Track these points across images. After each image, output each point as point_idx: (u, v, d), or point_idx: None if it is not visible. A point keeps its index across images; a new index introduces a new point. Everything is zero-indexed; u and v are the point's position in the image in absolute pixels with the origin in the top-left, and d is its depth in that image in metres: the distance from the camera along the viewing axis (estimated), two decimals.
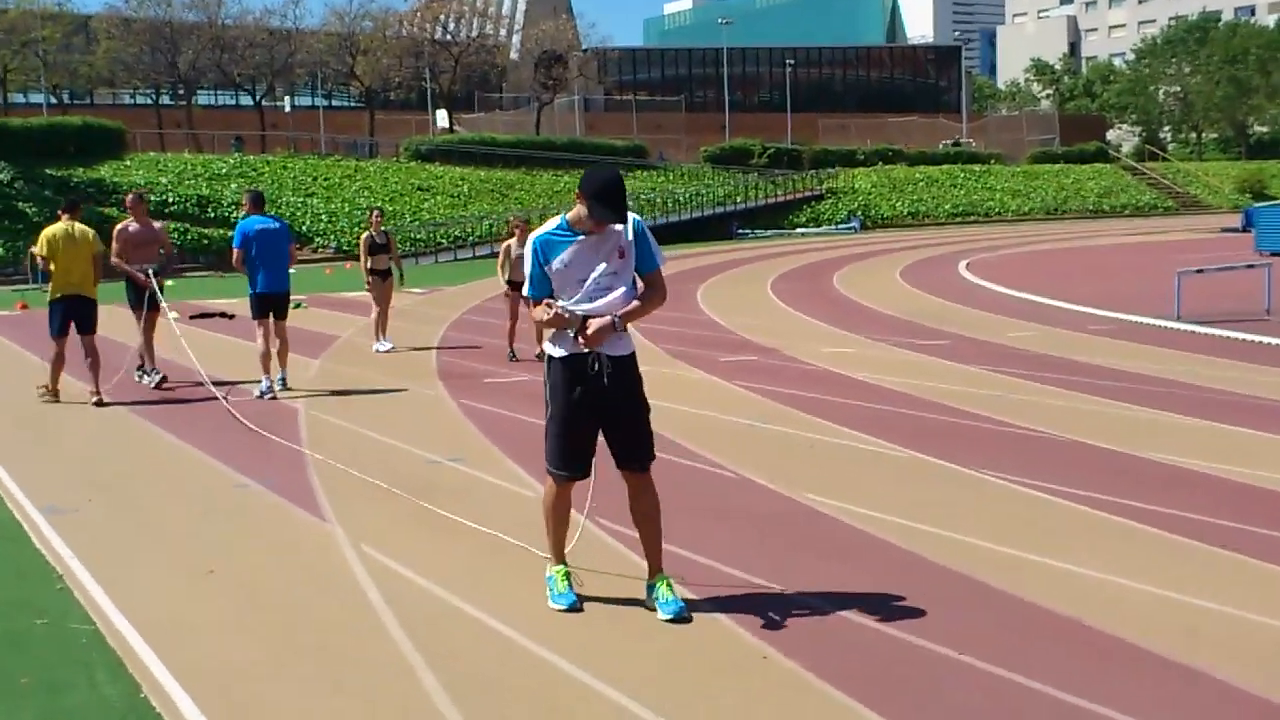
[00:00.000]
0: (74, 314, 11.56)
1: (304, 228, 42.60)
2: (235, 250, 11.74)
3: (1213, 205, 63.95)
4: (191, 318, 19.89)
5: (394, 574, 5.71)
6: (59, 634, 4.99)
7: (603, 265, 5.09)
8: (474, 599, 5.29)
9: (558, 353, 5.16)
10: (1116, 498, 6.81)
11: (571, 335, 5.10)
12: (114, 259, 12.49)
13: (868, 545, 6.08)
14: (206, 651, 4.75)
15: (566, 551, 5.42)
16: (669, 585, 5.13)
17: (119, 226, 12.78)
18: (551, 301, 5.09)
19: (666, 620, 4.97)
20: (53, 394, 11.57)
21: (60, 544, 6.33)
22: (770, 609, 5.08)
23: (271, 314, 11.78)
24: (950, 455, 8.03)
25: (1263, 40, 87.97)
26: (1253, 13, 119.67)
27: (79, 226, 11.68)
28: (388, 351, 14.79)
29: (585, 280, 5.07)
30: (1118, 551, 5.84)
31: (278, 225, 11.99)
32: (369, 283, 15.18)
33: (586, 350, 5.08)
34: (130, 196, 13.17)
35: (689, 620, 4.97)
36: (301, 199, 45.03)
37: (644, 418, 5.26)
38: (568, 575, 5.30)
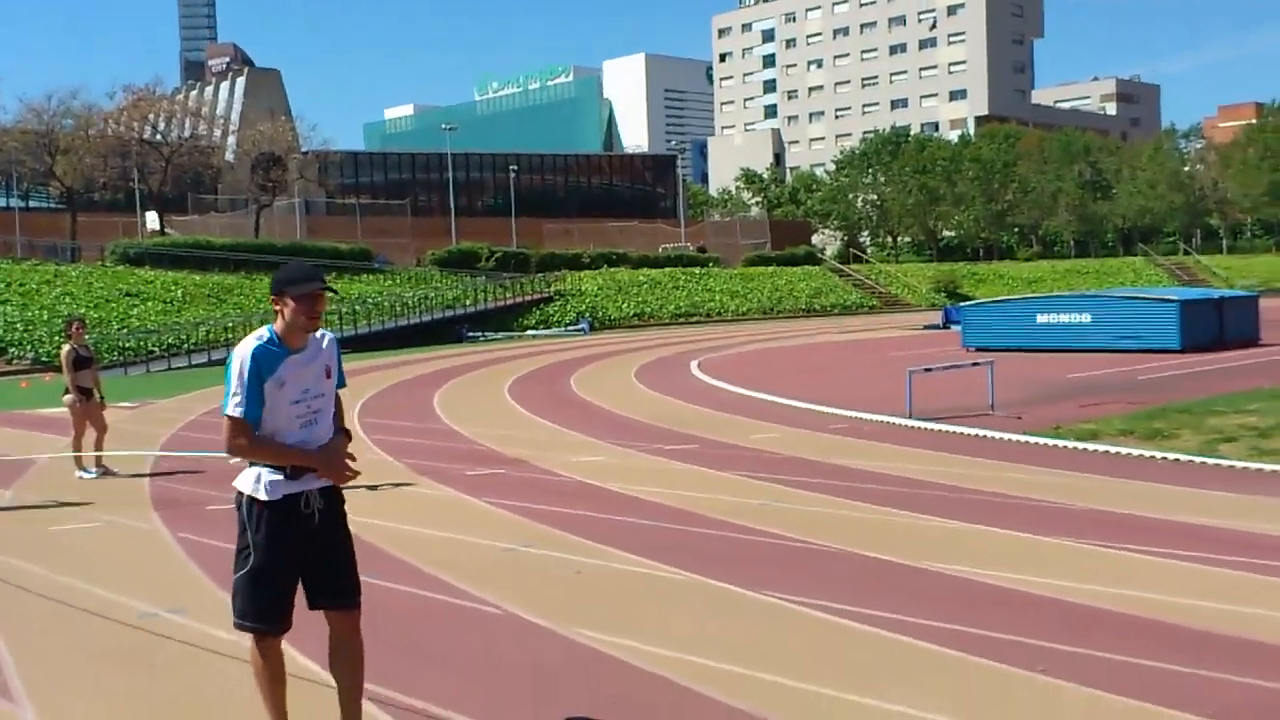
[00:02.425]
0: None
1: None
2: None
3: (912, 303, 67.76)
4: None
5: None
6: None
7: (313, 388, 4.59)
8: None
9: (268, 495, 4.48)
10: (916, 618, 6.43)
11: (287, 472, 4.49)
12: None
13: (665, 695, 5.43)
14: None
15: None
16: None
17: None
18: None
19: None
20: None
21: None
22: None
23: None
24: (730, 576, 7.52)
25: (946, 153, 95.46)
26: (936, 128, 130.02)
27: None
28: (96, 478, 13.28)
29: (298, 403, 4.53)
30: (934, 685, 5.41)
31: None
32: (73, 403, 13.67)
33: (299, 490, 4.50)
34: None
35: None
36: None
37: (352, 549, 4.73)
38: None
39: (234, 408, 4.43)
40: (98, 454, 13.68)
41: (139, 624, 6.99)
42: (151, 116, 66.87)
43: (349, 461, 4.65)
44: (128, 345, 40.09)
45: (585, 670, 5.81)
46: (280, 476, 4.49)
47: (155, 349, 40.58)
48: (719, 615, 6.76)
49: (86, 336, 14.38)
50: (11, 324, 40.46)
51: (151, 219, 63.14)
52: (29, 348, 39.37)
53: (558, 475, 12.28)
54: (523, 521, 9.75)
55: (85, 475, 13.35)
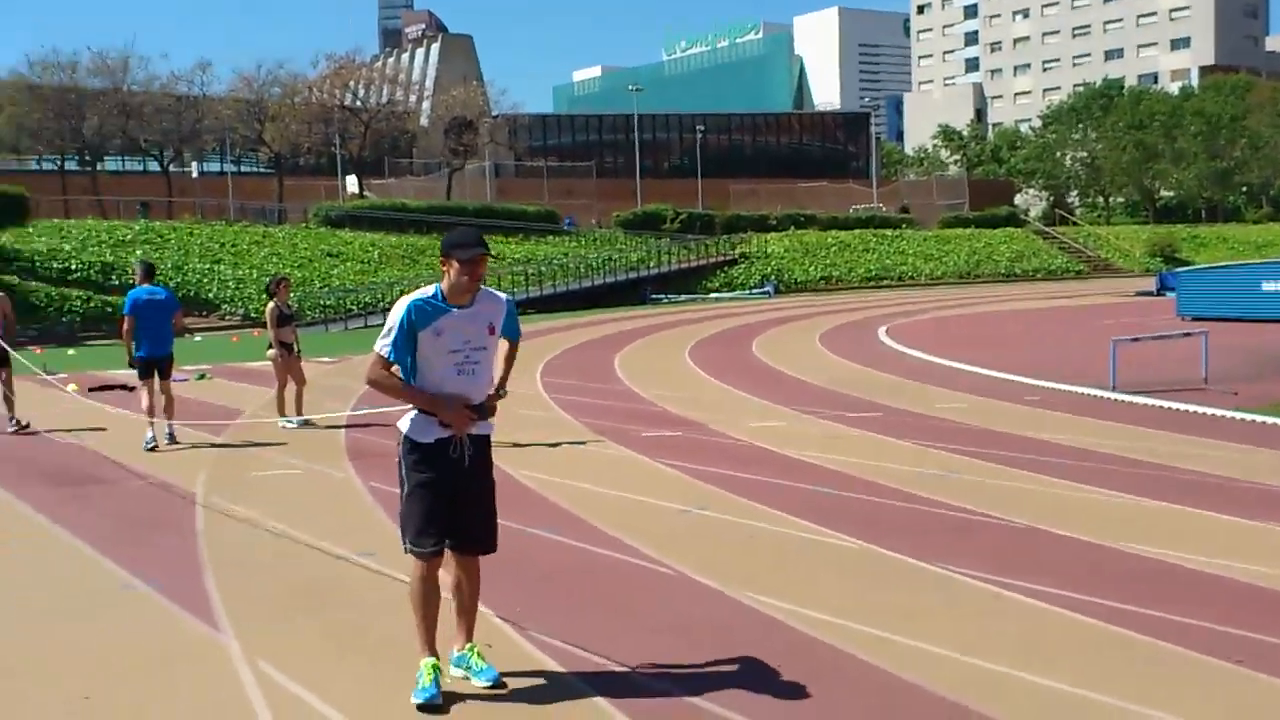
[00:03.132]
0: None
1: (211, 294, 41.49)
2: (126, 317, 12.93)
3: (1124, 268, 65.04)
4: (91, 390, 18.81)
5: (298, 702, 4.95)
6: None
7: (473, 340, 5.07)
8: None
9: (422, 438, 5.04)
10: (1102, 599, 6.20)
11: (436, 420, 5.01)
12: None
13: (830, 662, 5.42)
14: None
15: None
16: (480, 654, 5.18)
17: None
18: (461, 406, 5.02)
19: (486, 687, 5.02)
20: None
21: None
22: None
23: (156, 374, 12.95)
24: (906, 547, 7.43)
25: (1166, 107, 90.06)
26: (1155, 79, 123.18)
27: None
28: (296, 428, 13.95)
29: (455, 352, 5.03)
30: (1119, 669, 5.22)
31: (164, 295, 13.16)
32: (275, 357, 14.34)
33: (449, 435, 4.99)
34: None
35: (505, 686, 5.05)
36: (208, 265, 43.84)
37: (492, 502, 5.24)
38: (436, 668, 5.03)
39: (381, 345, 5.02)
40: (298, 405, 14.34)
41: (333, 565, 7.34)
42: (352, 84, 69.21)
43: (472, 414, 5.04)
44: (328, 303, 41.80)
45: (756, 633, 5.83)
46: (435, 421, 4.99)
47: (354, 307, 42.24)
48: (889, 585, 6.69)
49: (290, 295, 15.10)
50: (224, 282, 42.63)
51: (351, 182, 65.59)
52: (239, 304, 41.44)
53: (735, 439, 12.30)
54: (698, 484, 9.81)
55: (287, 425, 14.03)
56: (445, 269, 5.05)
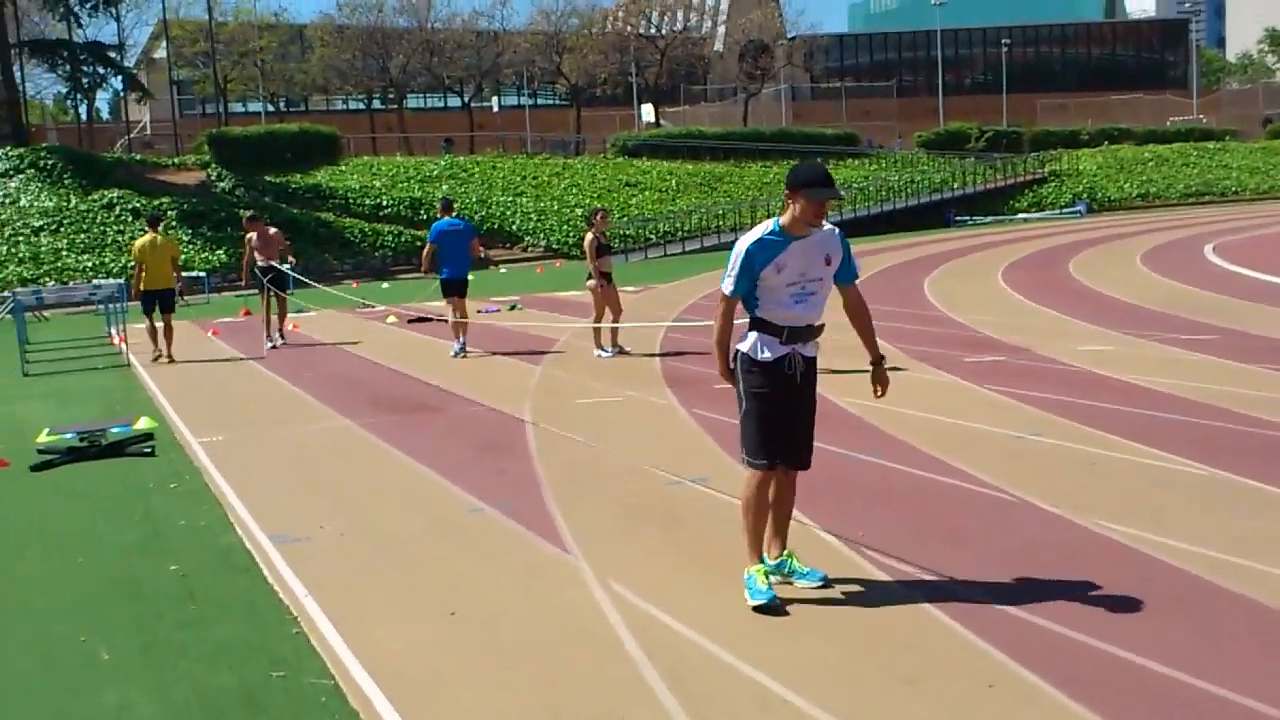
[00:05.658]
0: (159, 301, 15.66)
1: (514, 227, 42.92)
2: (429, 245, 15.30)
3: None
4: (410, 321, 19.94)
5: (650, 619, 5.11)
6: (297, 690, 4.56)
7: (809, 272, 5.21)
8: (750, 656, 4.63)
9: (764, 356, 5.25)
10: None
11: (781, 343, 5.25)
12: (244, 260, 17.56)
13: (1190, 588, 5.18)
14: (458, 716, 4.25)
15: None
16: (797, 559, 5.46)
17: (248, 236, 17.29)
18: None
19: (815, 587, 5.29)
20: (159, 355, 15.67)
21: (293, 578, 5.94)
22: (1084, 666, 4.29)
23: (456, 295, 15.21)
24: (1262, 475, 6.98)
25: None
26: None
27: (160, 238, 15.86)
28: (611, 356, 14.32)
29: (794, 284, 5.20)
30: None
31: (462, 226, 15.52)
32: (595, 287, 14.65)
33: (786, 353, 5.23)
34: (246, 217, 18.09)
35: (832, 586, 5.31)
36: (511, 198, 45.36)
37: (814, 416, 5.47)
38: (767, 574, 5.28)
39: (726, 284, 5.28)
40: (614, 334, 14.68)
41: (669, 488, 7.53)
42: (647, 11, 69.82)
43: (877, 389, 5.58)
44: (628, 233, 42.59)
45: (1107, 560, 5.62)
46: (776, 340, 5.23)
47: (652, 236, 42.90)
48: (1243, 511, 6.34)
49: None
50: (527, 214, 44.07)
51: (647, 111, 66.35)
52: (541, 236, 42.80)
53: (1063, 364, 11.84)
54: (1030, 410, 9.52)
55: (603, 354, 14.42)
56: (791, 202, 5.16)
